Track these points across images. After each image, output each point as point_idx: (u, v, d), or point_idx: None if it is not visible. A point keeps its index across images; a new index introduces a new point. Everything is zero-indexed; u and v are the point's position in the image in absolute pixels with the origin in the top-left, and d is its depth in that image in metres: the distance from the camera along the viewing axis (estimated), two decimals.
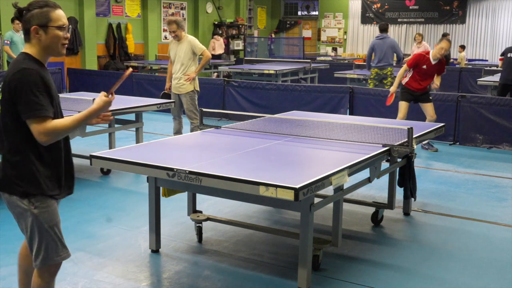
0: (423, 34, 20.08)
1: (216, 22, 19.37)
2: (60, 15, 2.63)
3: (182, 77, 7.34)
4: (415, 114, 7.78)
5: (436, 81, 7.58)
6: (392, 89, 7.64)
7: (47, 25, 2.59)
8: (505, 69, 9.69)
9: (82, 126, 5.92)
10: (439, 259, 4.24)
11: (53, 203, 2.71)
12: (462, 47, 17.23)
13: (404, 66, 7.58)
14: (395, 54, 10.59)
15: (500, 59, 10.42)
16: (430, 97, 7.66)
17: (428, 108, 7.52)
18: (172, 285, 3.73)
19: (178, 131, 7.63)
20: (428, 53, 7.53)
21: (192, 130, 7.47)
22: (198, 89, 7.50)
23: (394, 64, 10.62)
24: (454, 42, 19.49)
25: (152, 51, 16.98)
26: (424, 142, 7.72)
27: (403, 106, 7.56)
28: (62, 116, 2.77)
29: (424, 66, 7.40)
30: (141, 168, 3.66)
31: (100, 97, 2.80)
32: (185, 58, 7.32)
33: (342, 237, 4.24)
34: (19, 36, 9.89)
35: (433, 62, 7.40)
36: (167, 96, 7.65)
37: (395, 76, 11.24)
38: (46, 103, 2.55)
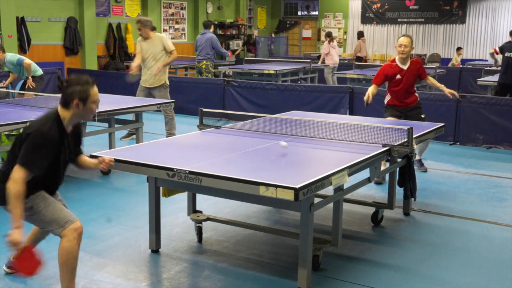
0: (423, 34, 20.12)
1: (216, 22, 19.37)
2: (96, 91, 3.23)
3: (157, 76, 7.84)
4: None
5: (443, 88, 6.37)
6: (367, 98, 5.97)
7: (86, 100, 3.18)
8: (505, 69, 9.67)
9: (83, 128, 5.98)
10: (439, 259, 4.24)
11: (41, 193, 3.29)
12: (459, 49, 17.30)
13: (372, 86, 6.11)
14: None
15: (495, 51, 10.42)
16: (423, 115, 6.24)
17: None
18: (172, 285, 3.73)
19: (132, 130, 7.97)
20: (393, 60, 6.28)
21: (167, 123, 7.99)
22: (168, 83, 8.08)
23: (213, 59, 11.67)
24: (454, 42, 19.50)
25: None
26: (417, 158, 6.55)
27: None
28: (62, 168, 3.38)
29: (398, 76, 6.13)
30: (141, 168, 3.66)
31: (16, 236, 3.08)
32: (157, 54, 7.80)
33: (342, 237, 4.24)
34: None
35: (404, 67, 6.13)
36: (132, 77, 8.20)
37: (210, 71, 11.68)
38: (34, 162, 3.11)
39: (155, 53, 7.79)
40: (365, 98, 5.99)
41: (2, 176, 3.18)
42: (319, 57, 14.60)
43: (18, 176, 3.04)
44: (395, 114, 6.23)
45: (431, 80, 6.50)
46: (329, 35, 14.10)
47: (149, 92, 7.97)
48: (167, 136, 7.84)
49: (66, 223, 3.24)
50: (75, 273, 3.27)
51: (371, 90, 6.06)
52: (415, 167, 6.46)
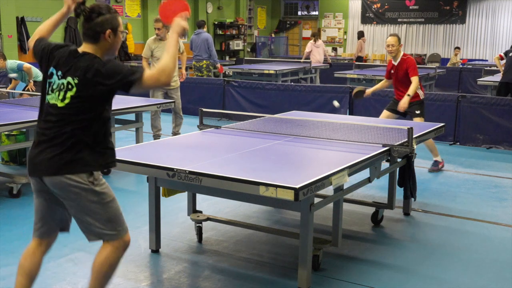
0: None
1: (216, 22, 19.38)
2: (121, 21, 2.96)
3: (175, 77, 7.85)
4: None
5: (404, 97, 6.36)
6: (368, 90, 6.87)
7: (117, 29, 2.89)
8: (508, 69, 9.67)
9: None
10: (439, 259, 4.24)
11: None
12: (457, 49, 17.30)
13: (382, 81, 6.95)
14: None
15: (500, 56, 10.33)
16: (418, 111, 6.51)
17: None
18: (172, 285, 3.73)
19: (160, 130, 8.04)
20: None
21: (179, 124, 8.22)
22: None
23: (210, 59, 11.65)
24: (454, 42, 19.51)
25: None
26: (434, 159, 6.91)
27: (384, 113, 6.75)
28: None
29: (392, 71, 6.66)
30: (141, 168, 3.66)
31: (178, 22, 3.18)
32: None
33: (342, 237, 4.24)
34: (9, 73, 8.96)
35: (395, 63, 6.61)
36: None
37: (210, 70, 11.71)
38: (133, 70, 2.81)
39: None
40: (367, 91, 6.89)
41: (78, 144, 2.77)
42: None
43: (145, 82, 2.79)
44: (393, 108, 6.69)
45: (413, 82, 6.45)
46: (313, 35, 14.81)
47: (166, 93, 8.00)
48: (173, 135, 7.90)
49: (122, 231, 2.89)
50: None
51: (378, 84, 7.05)
52: (432, 168, 6.88)
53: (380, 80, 11.72)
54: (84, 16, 2.84)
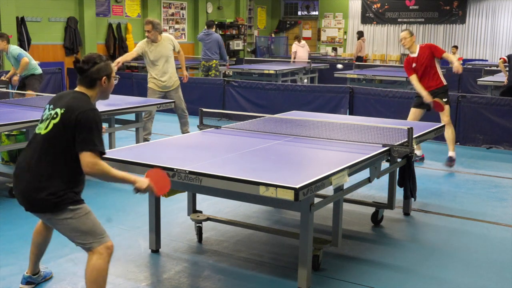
0: (423, 34, 20.11)
1: (216, 22, 19.37)
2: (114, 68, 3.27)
3: (174, 75, 7.88)
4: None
5: (453, 61, 6.74)
6: (427, 98, 6.86)
7: (110, 75, 3.19)
8: None
9: None
10: (439, 259, 4.24)
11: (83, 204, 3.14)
12: (455, 48, 17.28)
13: (411, 78, 7.00)
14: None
15: (503, 59, 10.18)
16: (444, 99, 6.90)
17: (442, 112, 6.90)
18: (172, 285, 3.73)
19: (150, 133, 7.94)
20: (408, 55, 7.07)
21: (184, 125, 8.06)
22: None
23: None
24: (454, 42, 19.49)
25: None
26: (449, 154, 7.03)
27: (411, 112, 7.07)
28: None
29: (414, 64, 6.88)
30: (141, 168, 3.66)
31: (145, 181, 3.19)
32: (169, 56, 7.78)
33: (342, 237, 4.24)
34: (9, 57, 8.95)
35: (415, 55, 6.87)
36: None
37: (218, 69, 11.86)
38: (102, 142, 3.06)
39: (167, 55, 7.73)
40: (428, 100, 6.85)
41: (45, 181, 3.00)
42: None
43: (93, 161, 2.96)
44: (418, 104, 7.01)
45: (448, 57, 6.92)
46: (296, 37, 15.87)
47: (164, 95, 7.87)
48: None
49: (103, 238, 3.11)
50: None
51: (417, 85, 6.92)
52: (448, 163, 7.01)
53: (380, 80, 11.84)
54: (81, 68, 3.13)
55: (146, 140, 7.67)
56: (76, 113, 2.98)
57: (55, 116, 3.02)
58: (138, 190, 3.15)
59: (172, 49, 7.78)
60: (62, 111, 3.01)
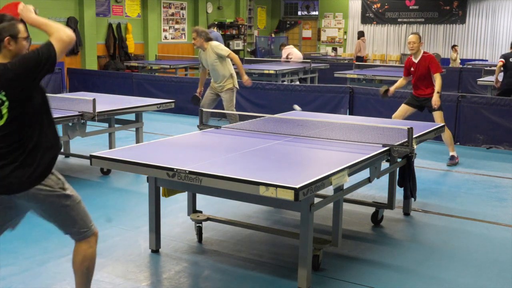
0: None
1: (216, 22, 19.38)
2: (24, 28, 2.91)
3: (224, 79, 7.80)
4: (415, 116, 7.74)
5: (437, 89, 6.81)
6: (391, 88, 7.29)
7: (17, 37, 2.85)
8: (510, 75, 9.47)
9: (83, 129, 5.93)
10: (439, 259, 4.24)
11: None
12: (454, 47, 17.28)
13: (402, 77, 7.31)
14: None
15: (502, 62, 9.93)
16: (435, 106, 6.97)
17: (436, 117, 7.01)
18: (172, 285, 3.73)
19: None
20: (411, 55, 7.17)
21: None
22: (237, 86, 8.03)
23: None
24: (454, 42, 19.49)
25: (152, 51, 16.98)
26: (450, 154, 7.24)
27: (401, 107, 7.27)
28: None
29: (412, 68, 7.04)
30: (141, 168, 3.66)
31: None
32: (214, 64, 7.75)
33: (342, 237, 4.24)
34: None
35: (416, 61, 7.01)
36: (197, 99, 8.23)
37: None
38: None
39: (212, 63, 7.76)
40: (390, 88, 7.27)
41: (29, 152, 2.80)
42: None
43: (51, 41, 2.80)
44: (412, 102, 7.18)
45: (436, 79, 6.92)
46: (282, 44, 15.87)
47: (216, 94, 7.98)
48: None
49: (92, 225, 3.05)
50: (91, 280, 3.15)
51: (397, 82, 7.33)
52: (450, 162, 7.17)
53: (381, 81, 11.84)
54: None
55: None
56: (10, 75, 2.72)
57: (1, 102, 2.74)
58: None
59: (216, 58, 7.71)
60: (3, 93, 2.73)
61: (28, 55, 2.81)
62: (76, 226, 3.00)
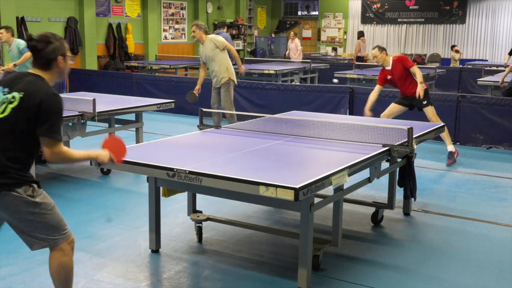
0: (423, 34, 20.12)
1: (216, 22, 19.39)
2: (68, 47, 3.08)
3: (221, 71, 7.93)
4: (410, 115, 7.75)
5: (419, 79, 6.90)
6: (366, 108, 7.13)
7: (66, 55, 3.02)
8: None
9: (83, 129, 5.94)
10: (439, 259, 4.24)
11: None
12: (453, 47, 17.29)
13: (376, 87, 7.27)
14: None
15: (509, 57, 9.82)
16: (424, 102, 7.05)
17: (427, 113, 7.10)
18: (172, 285, 3.73)
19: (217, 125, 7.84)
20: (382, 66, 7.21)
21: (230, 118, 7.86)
22: (235, 80, 8.13)
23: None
24: (454, 42, 19.49)
25: (152, 51, 16.98)
26: (448, 150, 7.26)
27: (390, 106, 7.31)
28: None
29: (389, 77, 7.10)
30: (141, 168, 3.66)
31: (105, 153, 3.13)
32: (212, 55, 7.90)
33: (342, 237, 4.24)
34: (10, 51, 8.96)
35: (389, 68, 7.07)
36: (194, 96, 8.27)
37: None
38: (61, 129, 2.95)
39: (211, 56, 7.91)
40: (365, 108, 7.14)
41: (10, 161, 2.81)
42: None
43: (57, 151, 2.85)
44: (401, 101, 7.29)
45: (414, 70, 7.01)
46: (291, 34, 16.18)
47: (219, 91, 8.11)
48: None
49: (66, 233, 2.98)
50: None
51: (371, 96, 7.22)
52: (449, 161, 7.18)
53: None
54: (35, 47, 2.95)
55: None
56: (38, 98, 2.83)
57: (12, 100, 2.85)
58: (100, 163, 3.15)
59: (214, 49, 7.88)
60: (21, 95, 2.84)
61: (58, 114, 2.89)
62: (46, 234, 2.92)
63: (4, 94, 2.90)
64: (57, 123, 2.87)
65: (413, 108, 7.27)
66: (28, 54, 8.52)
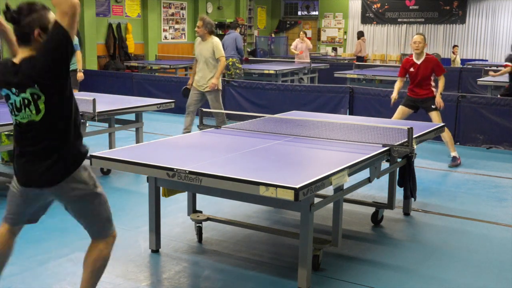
0: (423, 34, 20.10)
1: (216, 22, 19.39)
2: (53, 16, 2.71)
3: (207, 77, 7.66)
4: (410, 115, 7.74)
5: (440, 90, 6.99)
6: (393, 95, 7.25)
7: (47, 27, 2.68)
8: None
9: (83, 129, 5.93)
10: (439, 259, 4.24)
11: None
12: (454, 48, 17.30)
13: (398, 79, 7.27)
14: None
15: (507, 66, 9.58)
16: (433, 106, 7.04)
17: (432, 117, 7.08)
18: (172, 285, 3.73)
19: (187, 128, 7.76)
20: (411, 55, 7.16)
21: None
22: (220, 88, 7.87)
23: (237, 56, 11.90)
24: (454, 42, 19.50)
25: (152, 51, 16.98)
26: (452, 155, 7.26)
27: (399, 109, 7.25)
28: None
29: (412, 69, 7.03)
30: (141, 168, 3.66)
31: None
32: (208, 59, 7.67)
33: (342, 237, 4.24)
34: None
35: (418, 62, 7.00)
36: (187, 91, 8.06)
37: (237, 67, 11.77)
38: None
39: (206, 57, 7.66)
40: (392, 96, 7.21)
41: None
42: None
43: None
44: (408, 104, 7.19)
45: (440, 81, 7.12)
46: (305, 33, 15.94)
47: (202, 94, 7.81)
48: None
49: (114, 226, 3.05)
50: None
51: (396, 85, 7.26)
52: (452, 163, 7.21)
53: (381, 80, 11.84)
54: (14, 19, 2.68)
55: (187, 130, 7.73)
56: (40, 69, 2.62)
57: (36, 97, 2.66)
58: None
59: (212, 54, 7.60)
60: (37, 87, 2.65)
61: (47, 39, 2.63)
62: (99, 224, 3.00)
63: (18, 96, 2.70)
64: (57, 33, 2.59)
65: (417, 110, 7.24)
66: (79, 55, 8.54)
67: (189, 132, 7.58)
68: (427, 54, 7.08)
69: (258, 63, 15.40)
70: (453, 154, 7.25)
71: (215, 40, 7.70)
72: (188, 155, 4.02)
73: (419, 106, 7.17)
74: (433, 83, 7.17)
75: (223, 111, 7.30)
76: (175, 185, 4.00)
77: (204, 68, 7.69)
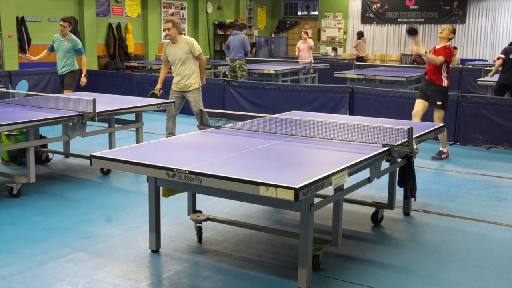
0: (423, 34, 20.12)
1: (216, 22, 19.39)
2: None
3: (188, 76, 7.59)
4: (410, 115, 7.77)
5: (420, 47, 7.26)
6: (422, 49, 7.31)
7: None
8: (506, 70, 9.60)
9: (83, 129, 5.93)
10: (439, 259, 4.24)
11: None
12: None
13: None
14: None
15: (499, 58, 10.12)
16: (439, 102, 7.24)
17: (435, 114, 7.27)
18: (172, 285, 3.73)
19: (171, 132, 7.76)
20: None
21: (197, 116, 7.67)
22: (199, 86, 7.84)
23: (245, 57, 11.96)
24: (454, 42, 19.49)
25: (152, 51, 16.98)
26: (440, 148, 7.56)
27: (417, 102, 7.43)
28: None
29: (432, 52, 7.40)
30: (141, 168, 3.66)
31: None
32: (184, 58, 7.54)
33: (342, 237, 4.24)
34: (62, 42, 8.72)
35: (437, 47, 7.38)
36: (155, 96, 7.88)
37: (244, 69, 11.90)
38: None
39: (183, 59, 7.54)
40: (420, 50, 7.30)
41: None
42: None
43: None
44: (421, 96, 7.41)
45: (437, 56, 7.21)
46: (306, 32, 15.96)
47: (182, 96, 7.78)
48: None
49: None
50: None
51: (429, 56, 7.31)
52: (435, 156, 7.41)
53: (381, 81, 11.86)
54: None
55: (171, 134, 7.73)
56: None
57: None
58: None
59: (188, 52, 7.51)
60: None
61: None
62: None
63: None
64: None
65: (428, 98, 7.33)
66: (84, 59, 8.57)
67: (174, 135, 7.63)
68: (447, 44, 7.34)
69: (258, 63, 15.39)
70: (442, 149, 7.46)
71: (189, 38, 7.62)
72: (188, 155, 4.02)
73: (427, 94, 7.32)
74: (444, 74, 7.35)
75: (203, 109, 7.25)
76: (175, 185, 4.00)
77: (182, 70, 7.59)
